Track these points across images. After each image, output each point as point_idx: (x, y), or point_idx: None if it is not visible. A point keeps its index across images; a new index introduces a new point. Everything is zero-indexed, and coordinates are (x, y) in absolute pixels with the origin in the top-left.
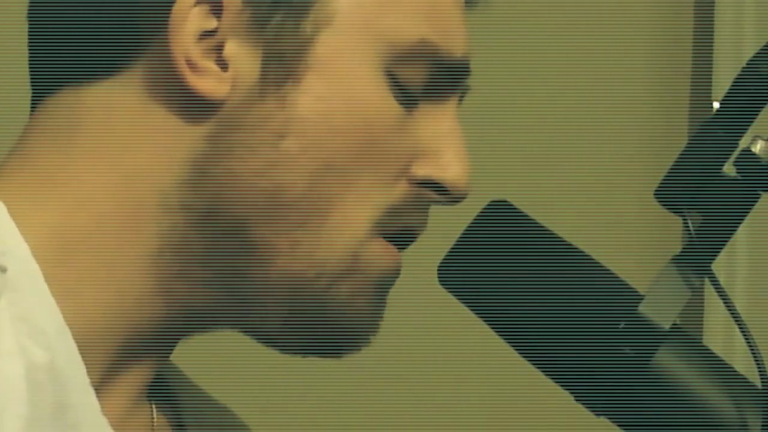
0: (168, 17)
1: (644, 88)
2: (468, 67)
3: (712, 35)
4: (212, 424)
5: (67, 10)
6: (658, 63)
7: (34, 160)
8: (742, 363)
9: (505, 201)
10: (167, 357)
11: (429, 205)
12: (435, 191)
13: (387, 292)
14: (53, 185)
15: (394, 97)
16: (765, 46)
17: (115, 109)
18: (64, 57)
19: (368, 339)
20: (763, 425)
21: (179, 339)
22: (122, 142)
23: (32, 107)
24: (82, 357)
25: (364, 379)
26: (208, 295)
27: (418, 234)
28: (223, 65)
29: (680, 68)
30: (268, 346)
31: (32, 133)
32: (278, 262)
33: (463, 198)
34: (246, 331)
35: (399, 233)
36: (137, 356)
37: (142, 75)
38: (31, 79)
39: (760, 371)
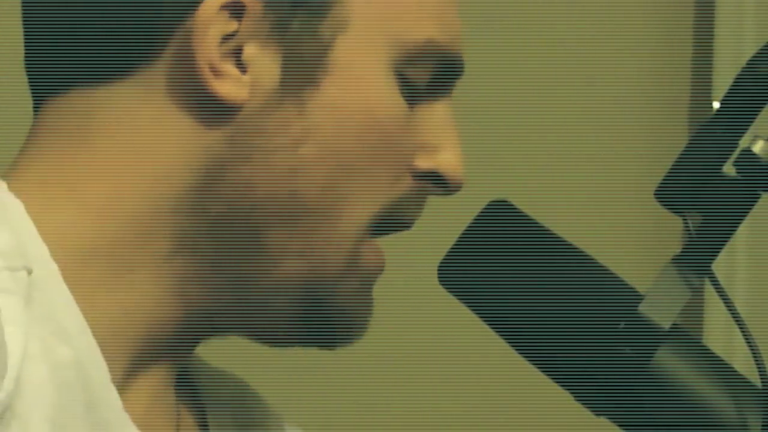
0: (187, 19)
1: (644, 88)
2: (463, 63)
3: (712, 35)
4: (231, 406)
5: (82, 8)
6: (658, 63)
7: (47, 161)
8: (742, 363)
9: (505, 201)
10: (187, 357)
11: (426, 197)
12: (434, 183)
13: (372, 289)
14: (67, 187)
15: (402, 95)
16: (765, 46)
17: (131, 111)
18: (78, 57)
19: (361, 333)
20: (763, 425)
21: (197, 341)
22: (137, 145)
23: (37, 106)
24: (104, 356)
25: (364, 379)
26: (219, 298)
27: (411, 226)
28: (242, 68)
29: (680, 68)
30: (268, 344)
31: (42, 134)
32: (288, 264)
33: (460, 189)
34: (250, 334)
35: (392, 225)
36: (157, 355)
37: (158, 77)
38: (35, 77)
39: (760, 371)
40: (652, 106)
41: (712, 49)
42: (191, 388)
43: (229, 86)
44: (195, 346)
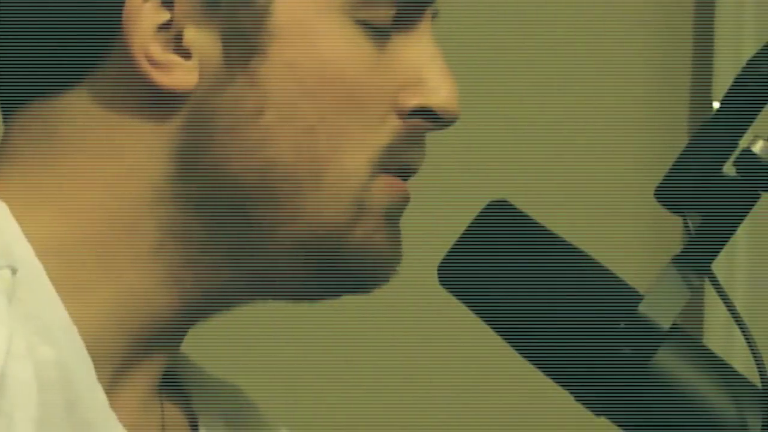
0: (119, 18)
1: (644, 88)
2: None
3: (712, 35)
4: (222, 409)
5: (18, 25)
6: (658, 63)
7: (22, 168)
8: (742, 363)
9: (505, 201)
10: (179, 347)
11: (424, 136)
12: (426, 119)
13: (398, 220)
14: (46, 191)
15: (367, 37)
16: (765, 46)
17: (87, 116)
18: (25, 73)
19: (394, 269)
20: (763, 425)
21: (193, 325)
22: (103, 146)
23: (5, 117)
24: (93, 356)
25: (364, 379)
26: (221, 277)
27: (418, 168)
28: (186, 55)
29: (680, 68)
30: (297, 302)
31: (14, 143)
32: (286, 230)
33: (455, 120)
34: (272, 298)
35: (399, 170)
36: (152, 350)
37: (107, 79)
38: None
39: (760, 371)
40: (652, 106)
41: (712, 49)
42: (179, 389)
43: (176, 76)
44: (191, 328)
